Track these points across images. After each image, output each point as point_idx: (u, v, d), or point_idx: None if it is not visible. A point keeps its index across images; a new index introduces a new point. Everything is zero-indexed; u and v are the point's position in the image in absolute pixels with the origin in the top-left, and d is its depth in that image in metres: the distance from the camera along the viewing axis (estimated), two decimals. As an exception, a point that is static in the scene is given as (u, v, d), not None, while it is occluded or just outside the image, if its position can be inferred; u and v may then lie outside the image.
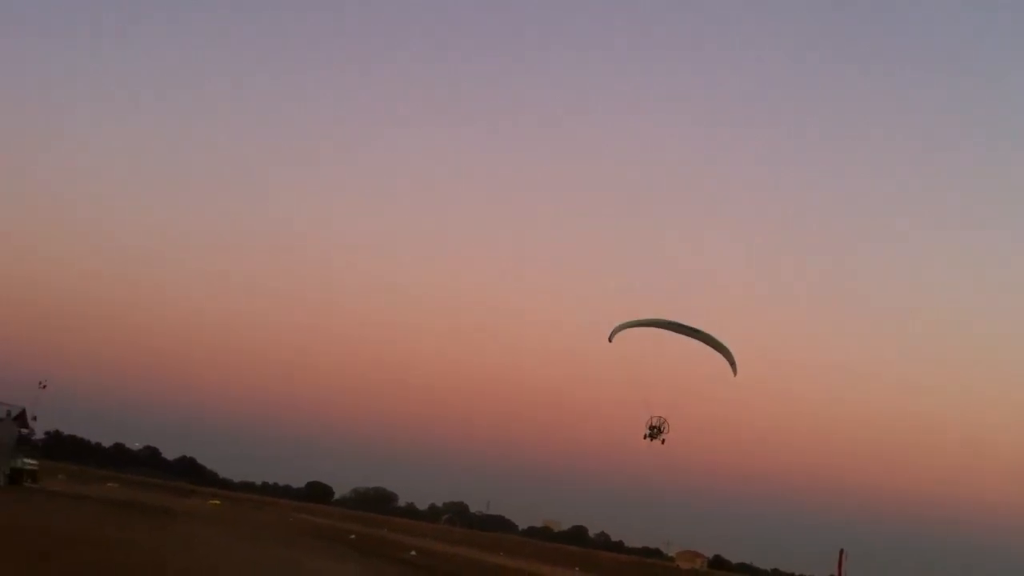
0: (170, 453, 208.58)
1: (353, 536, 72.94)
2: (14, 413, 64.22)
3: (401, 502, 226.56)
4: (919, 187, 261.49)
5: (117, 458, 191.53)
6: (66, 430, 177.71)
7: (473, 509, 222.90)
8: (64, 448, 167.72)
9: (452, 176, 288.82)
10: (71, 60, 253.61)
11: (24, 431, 72.27)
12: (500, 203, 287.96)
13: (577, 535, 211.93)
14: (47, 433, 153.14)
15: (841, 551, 79.12)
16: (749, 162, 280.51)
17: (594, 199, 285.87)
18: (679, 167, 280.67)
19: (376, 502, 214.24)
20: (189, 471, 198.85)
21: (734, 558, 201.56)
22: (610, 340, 27.75)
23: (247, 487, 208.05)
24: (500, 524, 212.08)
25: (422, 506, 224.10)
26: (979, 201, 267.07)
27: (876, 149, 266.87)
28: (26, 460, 74.77)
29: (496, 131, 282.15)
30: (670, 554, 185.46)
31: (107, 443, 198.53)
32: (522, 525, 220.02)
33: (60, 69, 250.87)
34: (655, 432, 27.27)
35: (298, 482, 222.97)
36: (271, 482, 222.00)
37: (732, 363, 26.94)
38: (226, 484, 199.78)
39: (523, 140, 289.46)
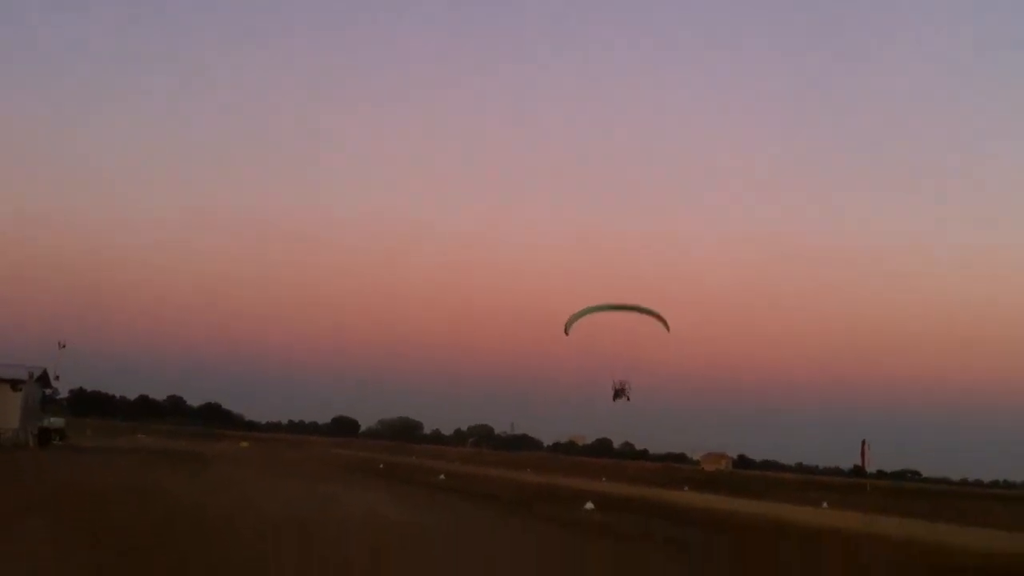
0: (194, 400, 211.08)
1: (382, 466, 73.76)
2: (36, 374, 64.72)
3: (426, 430, 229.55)
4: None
5: (142, 410, 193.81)
6: (89, 386, 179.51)
7: (498, 431, 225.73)
8: (89, 404, 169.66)
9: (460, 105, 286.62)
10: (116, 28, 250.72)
11: (48, 391, 72.90)
12: (503, 135, 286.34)
13: (602, 447, 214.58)
14: (71, 391, 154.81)
15: (863, 442, 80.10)
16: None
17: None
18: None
19: (402, 431, 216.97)
20: (215, 416, 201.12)
21: (758, 457, 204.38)
22: (566, 332, 32.19)
23: (274, 427, 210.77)
24: (526, 443, 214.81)
25: (447, 432, 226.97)
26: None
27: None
28: (52, 419, 75.63)
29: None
30: (695, 458, 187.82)
31: (131, 396, 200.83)
32: (547, 442, 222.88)
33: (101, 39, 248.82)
34: (619, 393, 31.70)
35: (324, 418, 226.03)
36: (297, 420, 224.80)
37: (664, 323, 32.98)
38: (253, 426, 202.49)
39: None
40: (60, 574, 12.05)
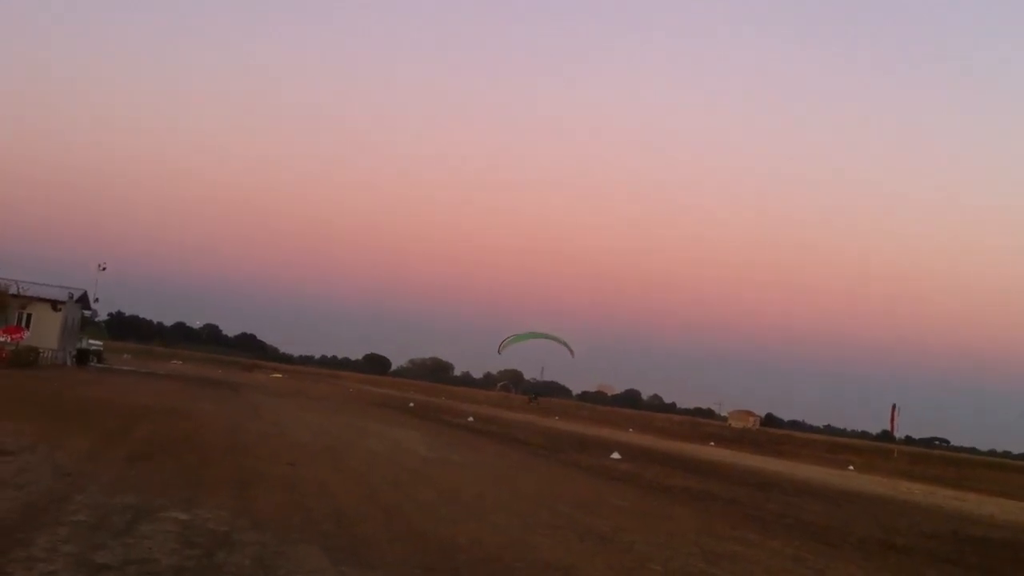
0: (230, 330, 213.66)
1: (412, 404, 74.50)
2: (76, 296, 65.78)
3: (457, 372, 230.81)
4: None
5: (178, 337, 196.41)
6: (127, 310, 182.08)
7: (527, 376, 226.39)
8: (126, 328, 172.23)
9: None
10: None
11: (87, 313, 74.09)
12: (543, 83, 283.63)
13: (630, 398, 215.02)
14: (109, 314, 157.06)
15: (893, 407, 79.79)
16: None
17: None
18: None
19: (433, 372, 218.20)
20: (250, 347, 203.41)
21: (786, 416, 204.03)
22: (499, 352, 43.66)
23: (306, 360, 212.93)
24: (555, 390, 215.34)
25: (477, 375, 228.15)
26: None
27: None
28: (91, 340, 76.97)
29: None
30: (722, 414, 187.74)
31: (168, 322, 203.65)
32: (576, 390, 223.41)
33: None
34: (533, 399, 40.75)
35: (356, 354, 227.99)
36: (329, 355, 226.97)
37: (570, 350, 46.41)
38: (286, 358, 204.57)
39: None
40: (95, 472, 12.44)
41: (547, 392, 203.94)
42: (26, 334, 57.54)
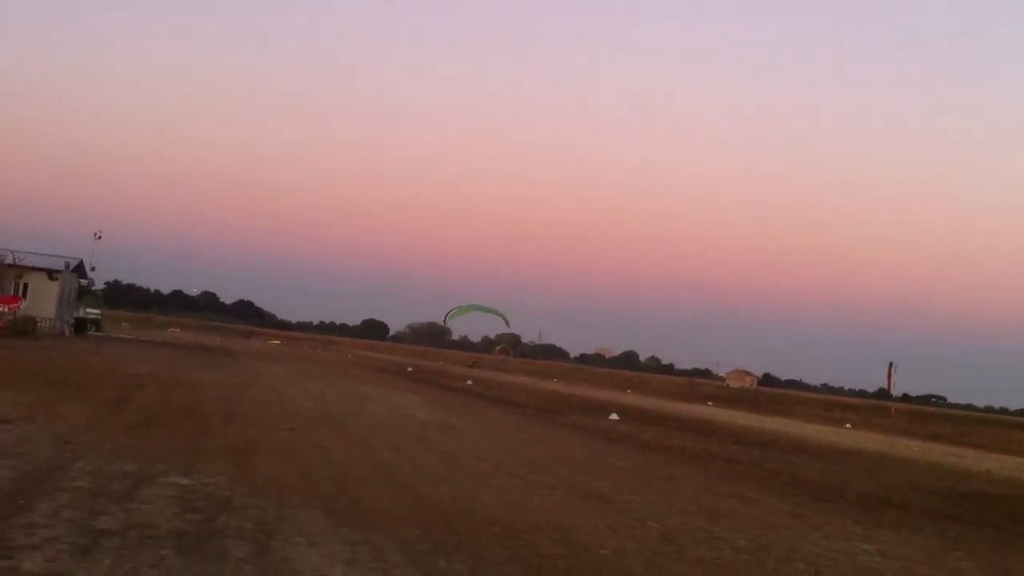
0: (228, 298, 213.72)
1: (410, 369, 74.69)
2: (72, 265, 65.60)
3: (455, 336, 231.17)
4: None
5: (176, 304, 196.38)
6: (124, 279, 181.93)
7: (525, 340, 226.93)
8: (124, 297, 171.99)
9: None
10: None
11: (84, 282, 73.97)
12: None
13: (628, 360, 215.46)
14: (107, 283, 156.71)
15: (890, 364, 79.92)
16: None
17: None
18: None
19: (431, 337, 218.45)
20: (247, 314, 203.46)
21: (783, 376, 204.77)
22: (445, 323, 49.88)
23: (304, 327, 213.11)
24: (553, 353, 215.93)
25: (475, 339, 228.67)
26: None
27: None
28: (88, 309, 76.90)
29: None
30: (720, 374, 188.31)
31: (165, 290, 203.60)
32: (574, 353, 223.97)
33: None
34: (476, 364, 45.57)
35: (354, 320, 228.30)
36: (328, 321, 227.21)
37: (506, 321, 63.39)
38: (284, 325, 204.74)
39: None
40: (95, 440, 12.45)
41: (544, 355, 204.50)
42: (23, 304, 57.44)
